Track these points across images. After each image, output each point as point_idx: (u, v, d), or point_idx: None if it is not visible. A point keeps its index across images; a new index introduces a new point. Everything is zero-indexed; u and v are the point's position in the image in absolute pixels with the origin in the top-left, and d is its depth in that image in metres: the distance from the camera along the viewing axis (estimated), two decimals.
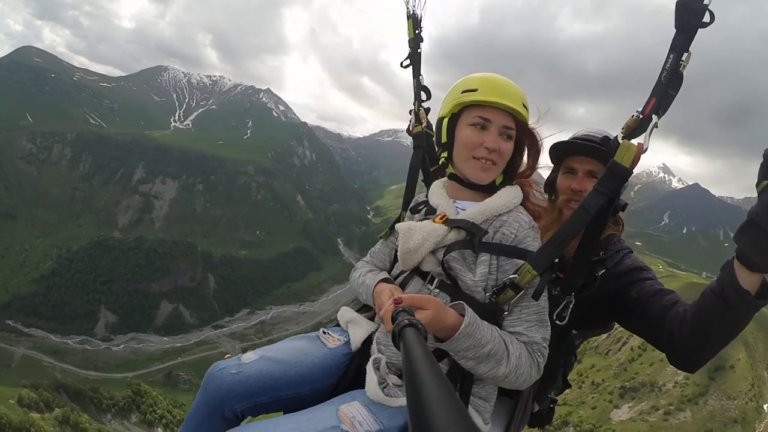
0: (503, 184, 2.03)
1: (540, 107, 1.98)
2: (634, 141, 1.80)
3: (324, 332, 2.24)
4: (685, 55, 1.68)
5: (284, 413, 1.95)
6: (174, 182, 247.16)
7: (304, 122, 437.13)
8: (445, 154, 2.06)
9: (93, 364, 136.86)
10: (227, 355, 2.26)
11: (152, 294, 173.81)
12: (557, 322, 1.91)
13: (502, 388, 1.91)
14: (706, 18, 1.63)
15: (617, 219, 2.54)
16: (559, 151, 2.61)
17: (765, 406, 72.03)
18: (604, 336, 79.90)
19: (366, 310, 2.40)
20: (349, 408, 1.66)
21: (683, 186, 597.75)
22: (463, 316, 1.62)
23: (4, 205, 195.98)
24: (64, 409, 63.60)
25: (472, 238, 1.84)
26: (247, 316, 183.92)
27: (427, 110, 2.91)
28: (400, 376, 1.81)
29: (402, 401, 1.67)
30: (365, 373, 1.80)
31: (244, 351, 2.16)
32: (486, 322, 1.69)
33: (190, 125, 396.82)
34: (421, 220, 2.06)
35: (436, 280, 1.90)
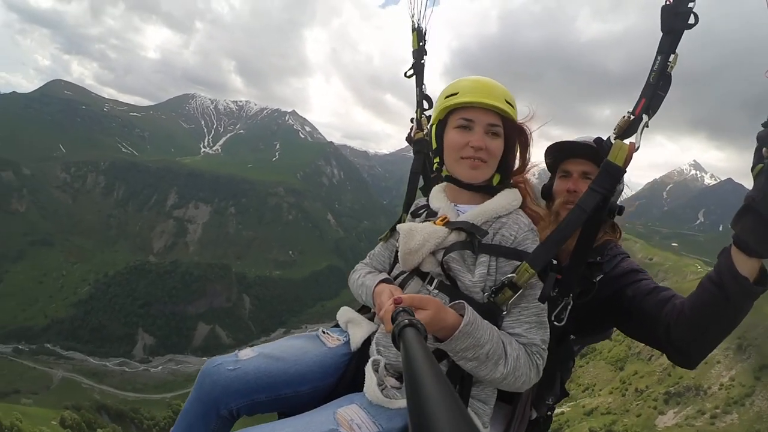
0: (501, 185, 2.04)
1: (537, 107, 1.97)
2: (627, 141, 1.84)
3: (323, 332, 2.23)
4: (672, 56, 1.73)
5: (280, 414, 1.96)
6: (206, 206, 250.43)
7: (331, 141, 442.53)
8: (437, 159, 2.09)
9: (131, 386, 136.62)
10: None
11: (189, 316, 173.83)
12: (555, 323, 1.91)
13: (500, 392, 1.90)
14: (691, 20, 1.69)
15: (614, 225, 2.56)
16: (553, 155, 2.64)
17: None
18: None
19: (366, 310, 2.39)
20: (347, 411, 1.64)
21: (716, 182, 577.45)
22: (463, 316, 1.62)
23: (41, 233, 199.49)
24: (106, 430, 62.10)
25: (472, 239, 1.85)
26: (282, 335, 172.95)
27: (429, 118, 2.93)
28: (398, 379, 1.81)
29: (400, 403, 1.66)
30: (364, 375, 1.79)
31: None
32: (486, 322, 1.69)
33: (220, 150, 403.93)
34: (422, 222, 2.08)
35: (436, 280, 1.90)
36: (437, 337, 1.63)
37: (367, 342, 2.09)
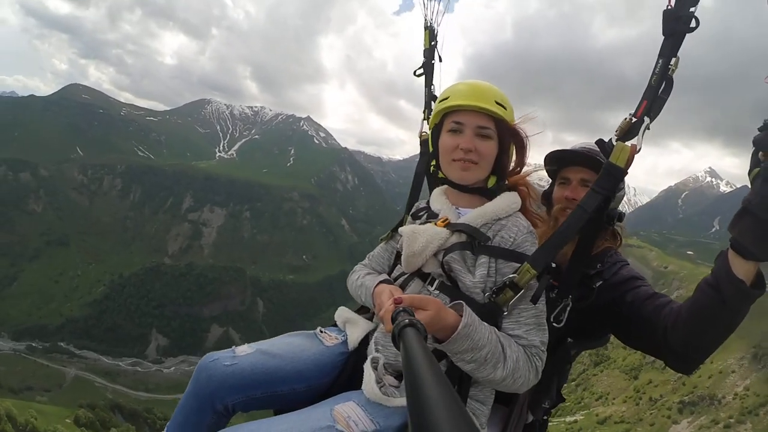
0: (497, 187, 2.06)
1: (550, 113, 2.15)
2: (628, 143, 1.83)
3: (321, 330, 2.23)
4: (674, 59, 1.73)
5: (276, 411, 1.93)
6: (221, 210, 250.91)
7: (345, 147, 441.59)
8: (434, 163, 2.14)
9: (144, 386, 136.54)
10: None
11: (203, 318, 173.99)
12: (554, 324, 1.93)
13: (497, 393, 1.91)
14: (693, 24, 1.70)
15: (614, 232, 2.57)
16: (553, 163, 2.67)
17: None
18: None
19: (364, 311, 2.39)
20: (344, 408, 1.63)
21: (732, 189, 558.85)
22: (462, 316, 1.61)
23: (57, 233, 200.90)
24: (120, 429, 61.79)
25: (473, 240, 1.87)
26: None
27: None
28: (396, 377, 1.81)
29: (398, 401, 1.65)
30: (361, 374, 1.77)
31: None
32: (485, 324, 1.68)
33: (235, 155, 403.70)
34: (423, 224, 2.08)
35: (437, 281, 1.91)
36: (437, 338, 1.63)
37: (364, 342, 2.08)
